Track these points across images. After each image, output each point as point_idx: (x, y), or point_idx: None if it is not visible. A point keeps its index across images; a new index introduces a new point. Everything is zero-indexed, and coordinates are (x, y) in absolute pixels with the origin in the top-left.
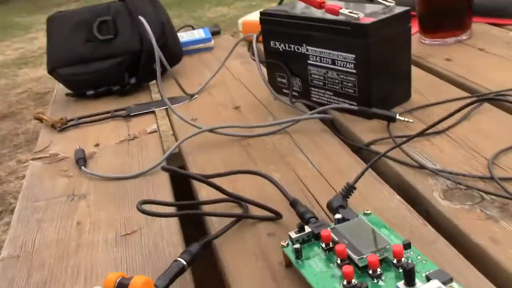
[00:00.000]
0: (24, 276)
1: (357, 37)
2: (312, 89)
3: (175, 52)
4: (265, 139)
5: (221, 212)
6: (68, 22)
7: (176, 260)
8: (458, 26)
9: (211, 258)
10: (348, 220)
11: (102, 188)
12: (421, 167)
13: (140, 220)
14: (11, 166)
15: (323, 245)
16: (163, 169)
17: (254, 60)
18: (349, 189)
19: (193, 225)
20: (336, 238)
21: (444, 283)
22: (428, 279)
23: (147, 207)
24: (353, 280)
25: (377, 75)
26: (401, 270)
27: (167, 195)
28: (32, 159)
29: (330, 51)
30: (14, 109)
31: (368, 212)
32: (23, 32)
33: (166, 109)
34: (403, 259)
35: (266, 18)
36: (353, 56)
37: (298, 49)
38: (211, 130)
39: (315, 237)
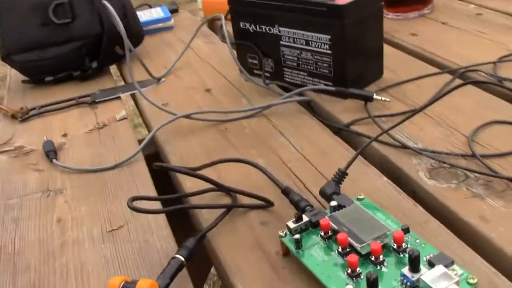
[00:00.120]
0: (9, 280)
1: (333, 18)
2: (285, 69)
3: (136, 33)
4: (243, 123)
5: (214, 204)
6: (22, 6)
7: (174, 257)
8: (421, 0)
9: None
10: (344, 206)
11: (78, 181)
12: (404, 146)
13: (125, 214)
14: None
15: (322, 234)
16: (156, 166)
17: (224, 42)
18: (342, 175)
19: (175, 216)
20: (335, 227)
21: (446, 267)
22: (431, 264)
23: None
24: (358, 269)
25: (352, 55)
26: (402, 255)
27: (148, 185)
28: None
29: (304, 32)
30: None
31: (362, 197)
32: None
33: (132, 94)
34: (403, 244)
35: None
36: (328, 37)
37: (270, 30)
38: (187, 116)
39: (313, 225)
